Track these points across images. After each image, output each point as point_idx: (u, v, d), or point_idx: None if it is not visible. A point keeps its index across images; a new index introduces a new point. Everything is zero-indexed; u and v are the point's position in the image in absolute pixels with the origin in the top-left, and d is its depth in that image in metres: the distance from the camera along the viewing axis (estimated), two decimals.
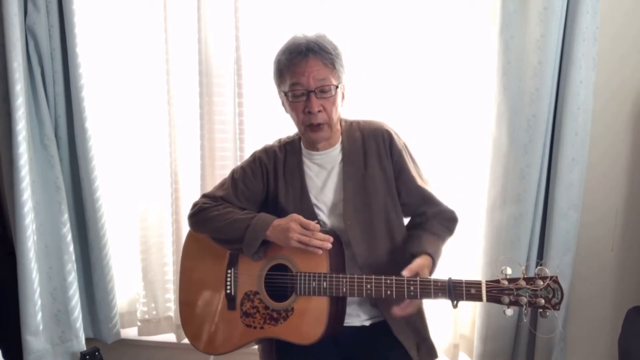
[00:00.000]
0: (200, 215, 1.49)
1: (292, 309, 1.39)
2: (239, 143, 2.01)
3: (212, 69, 1.95)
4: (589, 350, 1.97)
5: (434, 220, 1.47)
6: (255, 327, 1.44)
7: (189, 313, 1.56)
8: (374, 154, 1.46)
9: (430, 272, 1.35)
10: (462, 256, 1.92)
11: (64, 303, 2.06)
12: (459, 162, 1.90)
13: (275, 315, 1.41)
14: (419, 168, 1.52)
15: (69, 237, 2.04)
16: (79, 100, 1.94)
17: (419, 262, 1.32)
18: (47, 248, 2.02)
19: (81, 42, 1.92)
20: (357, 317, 1.47)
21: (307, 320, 1.37)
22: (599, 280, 1.92)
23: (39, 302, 1.98)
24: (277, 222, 1.38)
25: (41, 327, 2.00)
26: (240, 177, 1.52)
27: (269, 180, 1.51)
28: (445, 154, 1.89)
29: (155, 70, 2.03)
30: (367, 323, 1.47)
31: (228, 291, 1.48)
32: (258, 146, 1.59)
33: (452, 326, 1.96)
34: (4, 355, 1.89)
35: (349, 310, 1.43)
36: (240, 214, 1.44)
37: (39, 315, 1.98)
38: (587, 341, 1.96)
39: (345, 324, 1.43)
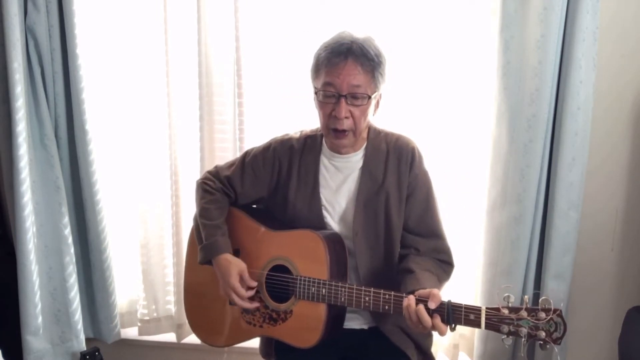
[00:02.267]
0: (197, 192, 1.53)
1: (291, 311, 1.39)
2: (239, 143, 2.01)
3: (212, 70, 1.95)
4: (589, 350, 1.97)
5: (428, 258, 1.41)
6: (254, 325, 1.45)
7: (192, 302, 1.57)
8: (395, 169, 1.41)
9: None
10: (461, 257, 1.91)
11: (64, 303, 2.05)
12: (459, 162, 1.90)
13: (274, 315, 1.41)
14: (435, 202, 1.46)
15: (70, 239, 2.03)
16: (79, 102, 1.93)
17: (431, 290, 1.19)
18: (47, 248, 2.02)
19: (81, 43, 1.91)
20: (356, 320, 1.47)
21: (305, 324, 1.37)
22: (599, 280, 1.92)
23: (40, 303, 1.98)
24: (226, 260, 1.41)
25: (41, 327, 1.99)
26: (250, 163, 1.51)
27: (280, 172, 1.48)
28: (445, 154, 1.89)
29: (155, 71, 2.02)
30: (365, 326, 1.47)
31: None
32: None
33: None
34: (4, 355, 1.88)
35: (349, 313, 1.42)
36: (214, 222, 1.45)
37: (40, 316, 1.98)
38: (587, 341, 1.96)
39: (344, 327, 1.43)
